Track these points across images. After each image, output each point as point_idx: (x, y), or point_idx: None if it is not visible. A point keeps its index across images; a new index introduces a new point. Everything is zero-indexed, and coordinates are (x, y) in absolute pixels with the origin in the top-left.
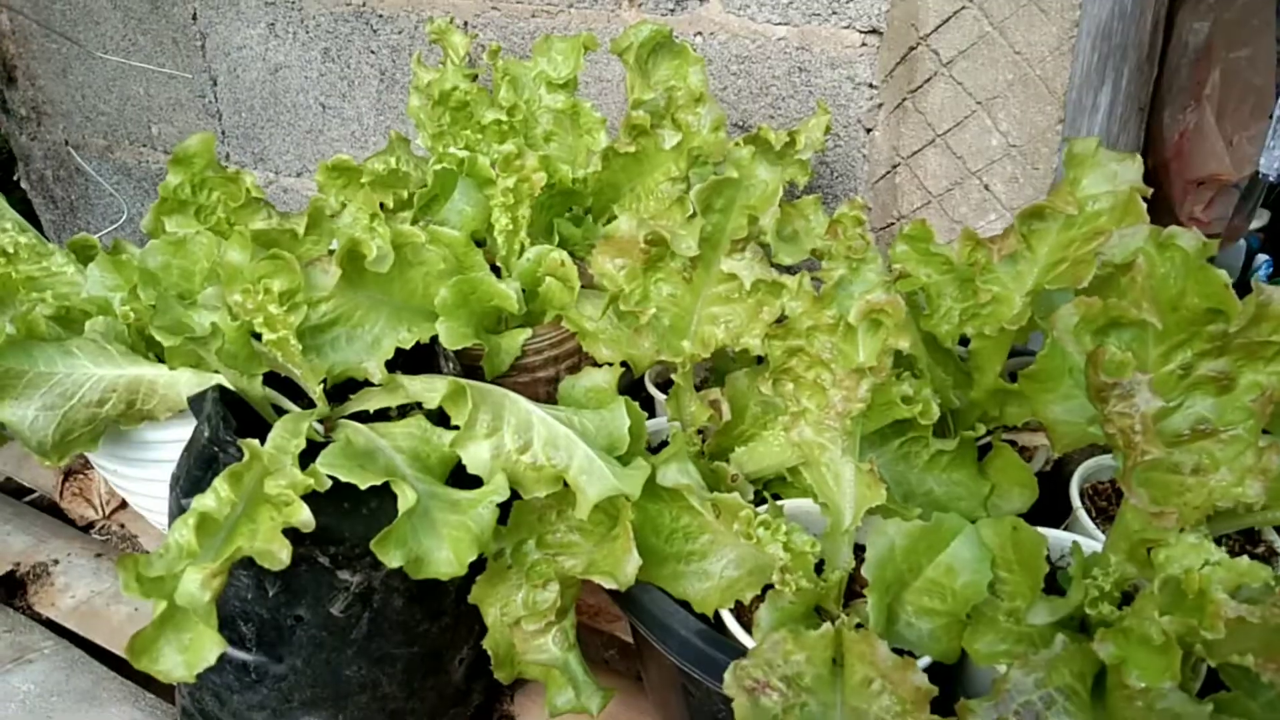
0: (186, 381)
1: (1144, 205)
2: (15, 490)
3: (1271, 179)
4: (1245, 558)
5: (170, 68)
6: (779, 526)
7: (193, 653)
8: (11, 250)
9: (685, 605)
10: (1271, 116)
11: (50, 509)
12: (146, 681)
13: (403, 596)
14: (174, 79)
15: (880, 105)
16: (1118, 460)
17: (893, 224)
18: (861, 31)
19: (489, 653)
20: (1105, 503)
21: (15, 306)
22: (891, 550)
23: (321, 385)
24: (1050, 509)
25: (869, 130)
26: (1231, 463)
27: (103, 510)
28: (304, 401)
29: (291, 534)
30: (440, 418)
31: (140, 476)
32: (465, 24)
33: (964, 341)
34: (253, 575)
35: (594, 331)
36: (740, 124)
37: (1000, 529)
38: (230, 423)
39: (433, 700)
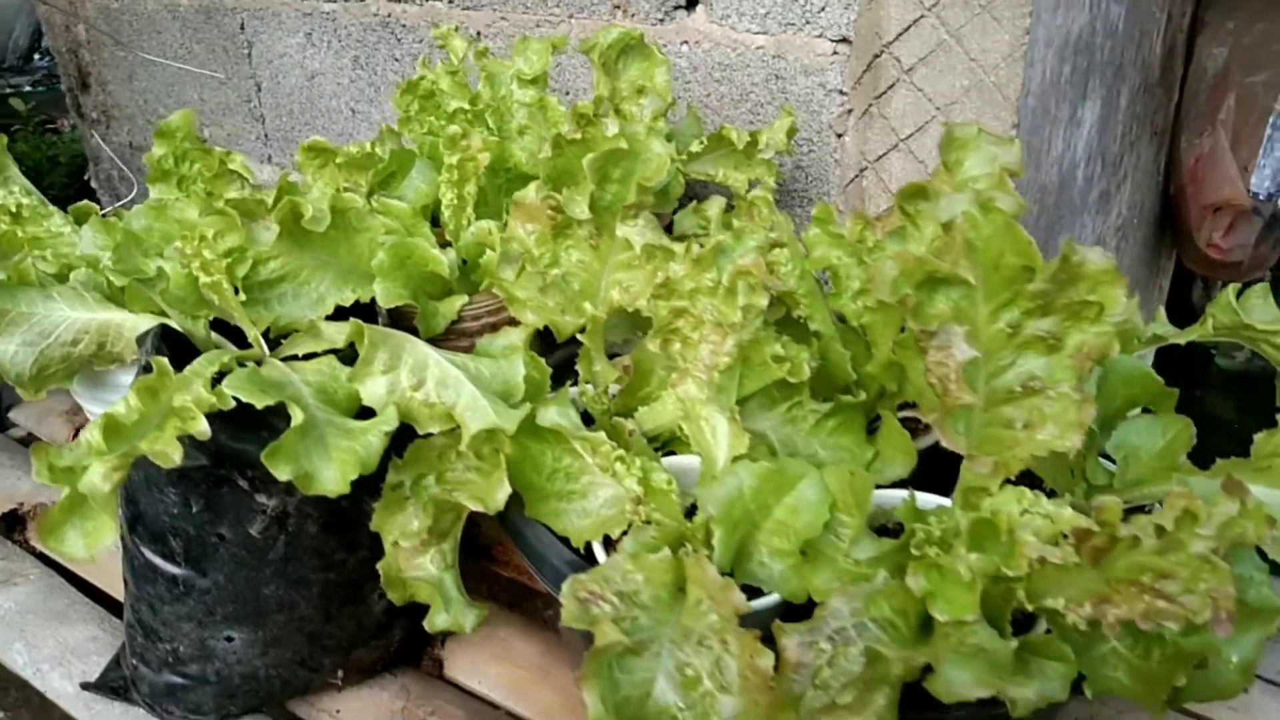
0: (147, 325)
1: (1011, 185)
2: (30, 442)
3: (1261, 197)
4: (1070, 510)
5: (220, 74)
6: (634, 462)
7: (92, 536)
8: (15, 210)
9: (567, 542)
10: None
11: None
12: (112, 605)
13: (317, 524)
14: (224, 85)
15: (850, 111)
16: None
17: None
18: (832, 40)
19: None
20: None
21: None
22: (740, 490)
23: (264, 333)
24: (941, 481)
25: (840, 135)
26: (1058, 418)
27: None
28: (248, 346)
29: (214, 455)
30: (353, 360)
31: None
32: (478, 34)
33: None
34: (180, 493)
35: (520, 298)
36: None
37: (840, 474)
38: (164, 353)
39: (351, 628)
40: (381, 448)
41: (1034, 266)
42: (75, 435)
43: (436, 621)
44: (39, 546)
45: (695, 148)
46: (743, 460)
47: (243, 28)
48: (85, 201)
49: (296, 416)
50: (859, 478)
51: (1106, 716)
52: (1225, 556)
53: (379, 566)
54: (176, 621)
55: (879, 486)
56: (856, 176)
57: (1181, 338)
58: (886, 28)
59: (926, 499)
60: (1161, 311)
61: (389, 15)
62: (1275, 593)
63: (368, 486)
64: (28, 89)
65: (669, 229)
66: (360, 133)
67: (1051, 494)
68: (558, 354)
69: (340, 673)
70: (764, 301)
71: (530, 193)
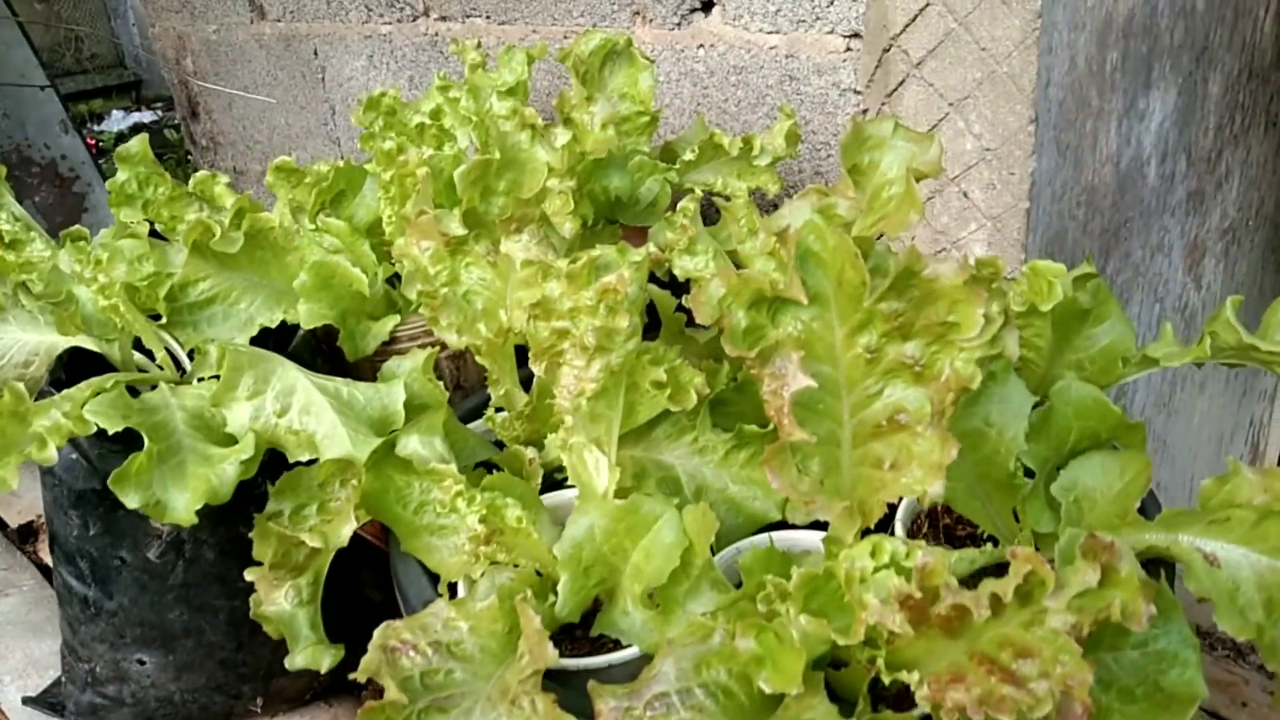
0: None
1: (916, 188)
2: None
3: None
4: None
5: (300, 100)
6: (474, 497)
7: None
8: (6, 240)
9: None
10: None
11: None
12: None
13: (214, 550)
14: (304, 109)
15: (865, 111)
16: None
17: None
18: (844, 36)
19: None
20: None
21: (5, 285)
22: (590, 531)
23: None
24: None
25: None
26: (923, 458)
27: None
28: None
29: (104, 478)
30: None
31: None
32: (510, 47)
33: None
34: (80, 515)
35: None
36: (741, 135)
37: (699, 514)
38: (56, 374)
39: (267, 656)
40: (236, 477)
41: (862, 281)
42: None
43: (295, 660)
44: (45, 559)
45: (689, 156)
46: (600, 499)
47: (316, 54)
48: (76, 228)
49: (147, 443)
50: (704, 516)
51: None
52: (1090, 634)
53: (252, 599)
54: (92, 642)
55: (791, 526)
56: None
57: (1177, 359)
58: (893, 19)
59: (808, 540)
60: (1167, 328)
61: (436, 34)
62: (1202, 676)
63: None
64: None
65: None
66: None
67: (993, 541)
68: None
69: (260, 700)
70: (624, 322)
71: (410, 208)
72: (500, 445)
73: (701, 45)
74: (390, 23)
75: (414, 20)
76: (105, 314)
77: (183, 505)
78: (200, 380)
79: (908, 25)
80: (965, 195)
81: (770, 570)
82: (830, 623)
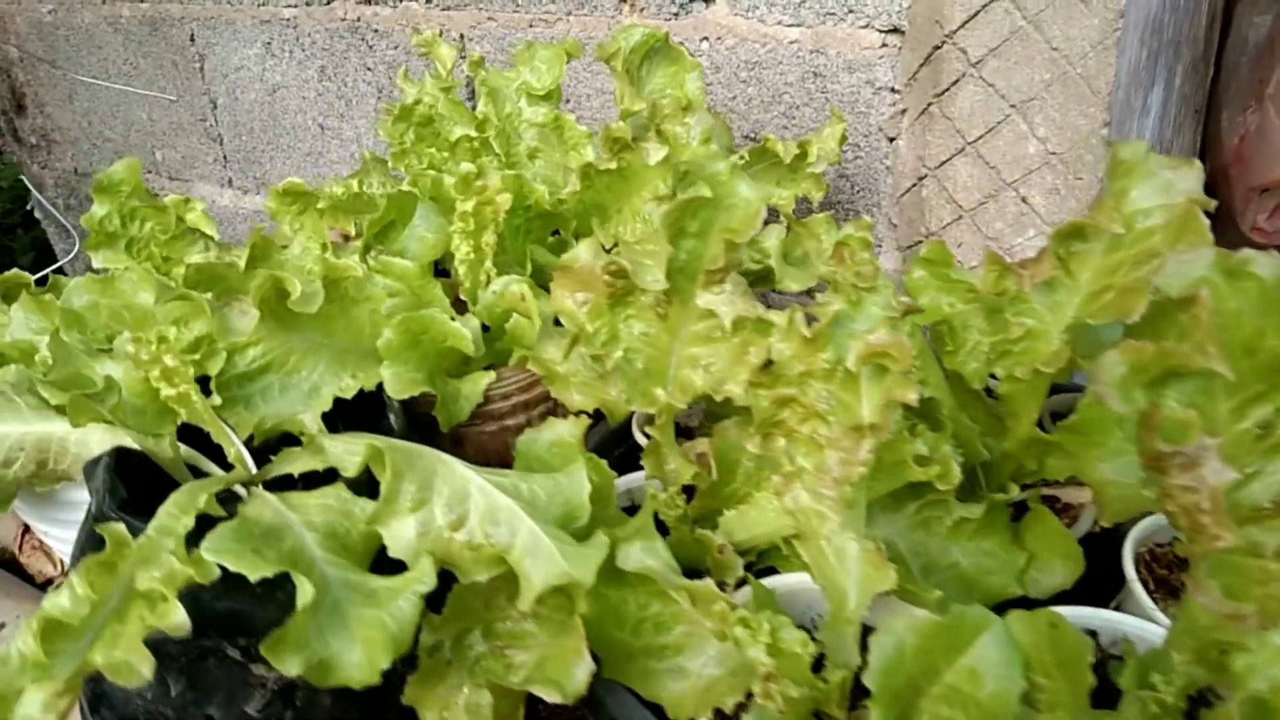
0: (99, 440)
1: (1205, 221)
2: None
3: None
4: None
5: (171, 91)
6: (761, 626)
7: None
8: None
9: (658, 710)
10: None
11: (9, 564)
12: None
13: (330, 693)
14: (175, 103)
15: (904, 111)
16: (1183, 540)
17: (920, 242)
18: (881, 31)
19: None
20: (1167, 571)
21: None
22: (901, 652)
23: (247, 440)
24: (1100, 577)
25: (892, 139)
26: None
27: (62, 566)
28: (228, 462)
29: (195, 622)
30: (370, 485)
31: (72, 539)
32: (461, 36)
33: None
34: (155, 671)
35: (563, 375)
36: (751, 135)
37: (1035, 625)
38: (118, 493)
39: None
40: (416, 615)
41: None
42: (24, 533)
43: None
44: None
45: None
46: (906, 598)
47: (193, 39)
48: (15, 271)
49: (304, 593)
50: (1064, 632)
51: None
52: None
53: None
54: None
55: (1034, 602)
56: (914, 186)
57: None
58: (950, 14)
59: (1085, 617)
60: None
61: (358, 19)
62: None
63: None
64: None
65: None
66: (330, 150)
67: None
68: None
69: None
70: (911, 395)
71: (583, 255)
72: (658, 526)
73: (706, 38)
74: (295, 5)
75: (327, 3)
76: (173, 404)
77: (356, 663)
78: (293, 481)
79: (966, 22)
80: (1024, 200)
81: (1140, 680)
82: None
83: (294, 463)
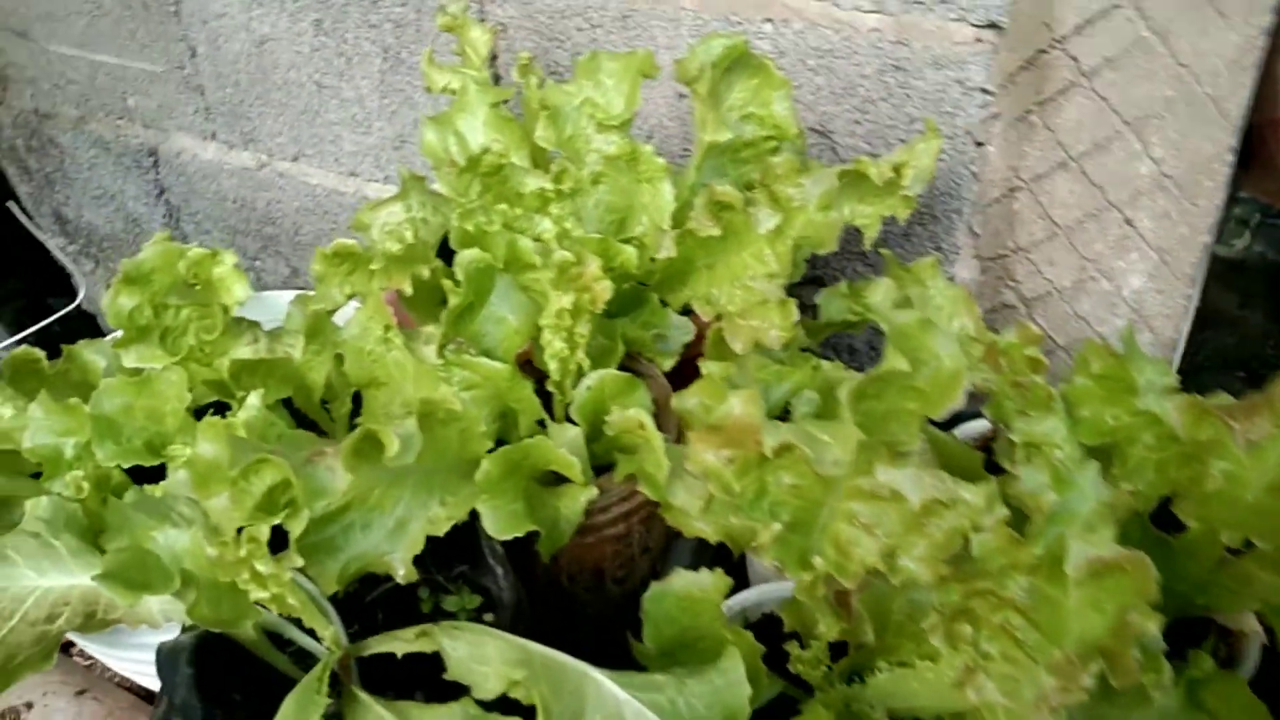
0: (159, 609)
1: None
2: None
3: None
4: None
5: (143, 35)
6: None
7: None
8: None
9: None
10: None
11: None
12: None
13: None
14: (147, 46)
15: (996, 116)
16: None
17: (1005, 256)
18: (976, 25)
19: None
20: None
21: None
22: None
23: (332, 597)
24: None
25: (980, 144)
26: None
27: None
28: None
29: None
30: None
31: (122, 657)
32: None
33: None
34: None
35: (690, 514)
36: (818, 128)
37: None
38: (206, 690)
39: None
40: None
41: None
42: None
43: None
44: None
45: None
46: None
47: None
48: (24, 349)
49: None
50: None
51: None
52: None
53: None
54: None
55: None
56: (1004, 197)
57: None
58: (1061, 16)
59: None
60: None
61: None
62: None
63: None
64: None
65: (803, 309)
66: (329, 110)
67: None
68: None
69: None
70: (1152, 627)
71: (737, 409)
72: (800, 683)
73: (770, 20)
74: None
75: None
76: (266, 605)
77: None
78: (394, 661)
79: (1081, 27)
80: (1129, 223)
81: None
82: None
83: (397, 644)
